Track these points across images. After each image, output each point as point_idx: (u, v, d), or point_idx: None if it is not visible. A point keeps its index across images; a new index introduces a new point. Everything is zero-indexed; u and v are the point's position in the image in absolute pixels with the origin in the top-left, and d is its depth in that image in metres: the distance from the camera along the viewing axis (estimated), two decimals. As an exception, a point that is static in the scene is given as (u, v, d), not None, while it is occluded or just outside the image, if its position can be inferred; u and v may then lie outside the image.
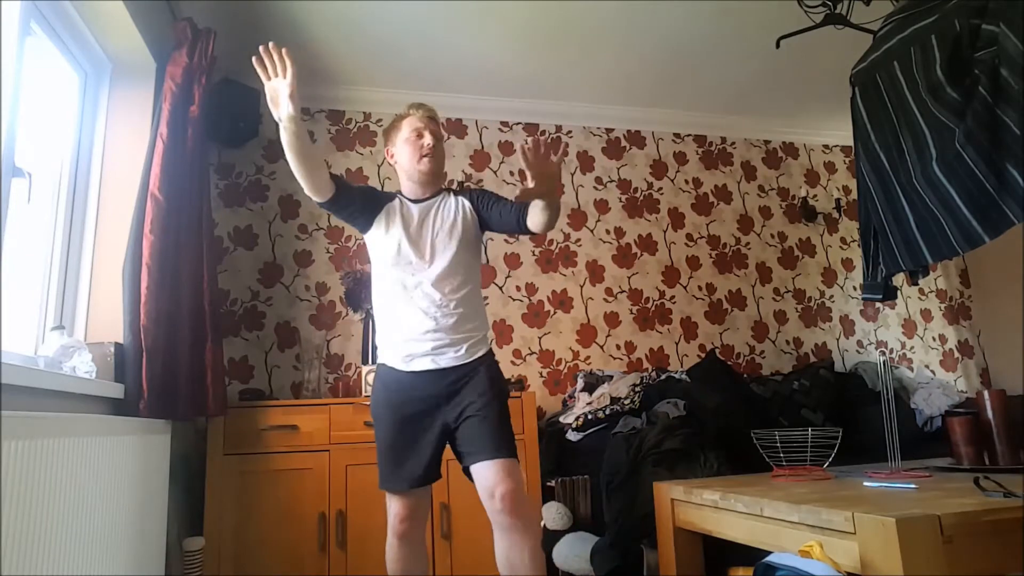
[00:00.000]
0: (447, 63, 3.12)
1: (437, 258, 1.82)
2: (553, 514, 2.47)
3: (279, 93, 1.58)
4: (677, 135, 3.83)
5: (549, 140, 1.60)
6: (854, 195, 3.51)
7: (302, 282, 3.09)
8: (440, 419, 1.78)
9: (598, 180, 3.64)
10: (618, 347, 3.42)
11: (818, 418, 2.98)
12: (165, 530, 2.10)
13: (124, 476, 1.75)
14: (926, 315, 3.94)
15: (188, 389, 2.17)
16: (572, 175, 3.61)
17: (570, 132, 3.64)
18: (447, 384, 1.77)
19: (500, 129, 3.54)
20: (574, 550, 2.30)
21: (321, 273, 3.12)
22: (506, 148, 3.53)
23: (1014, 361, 3.73)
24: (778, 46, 2.55)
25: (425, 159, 1.87)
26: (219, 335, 2.36)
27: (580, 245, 3.51)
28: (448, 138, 3.40)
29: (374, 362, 2.74)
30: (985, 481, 1.44)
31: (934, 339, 3.91)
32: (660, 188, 3.72)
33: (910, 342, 3.86)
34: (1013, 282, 3.69)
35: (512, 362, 3.24)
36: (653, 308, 3.53)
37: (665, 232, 3.66)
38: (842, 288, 3.85)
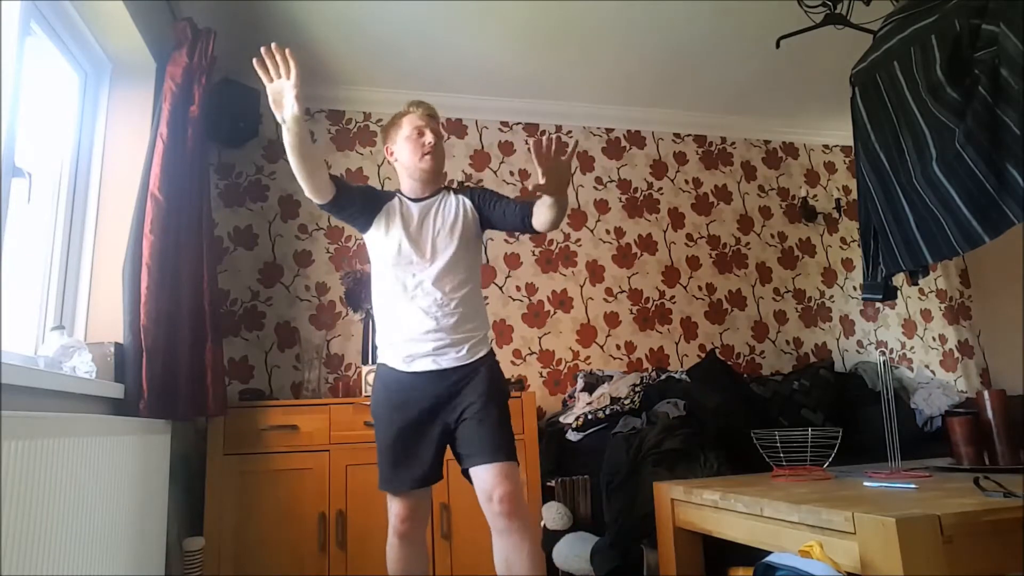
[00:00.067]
0: (447, 63, 3.12)
1: (438, 257, 1.82)
2: (553, 514, 2.47)
3: (283, 94, 1.57)
4: (677, 135, 3.83)
5: (559, 138, 1.60)
6: (854, 195, 3.51)
7: (302, 282, 3.09)
8: (440, 420, 1.77)
9: (598, 180, 3.64)
10: (618, 347, 3.42)
11: (818, 418, 2.98)
12: (165, 530, 2.10)
13: (124, 476, 1.75)
14: (926, 315, 3.94)
15: (188, 389, 2.17)
16: (572, 175, 3.61)
17: (570, 132, 3.64)
18: (448, 385, 1.77)
19: (500, 129, 3.54)
20: (574, 550, 2.30)
21: (321, 273, 3.12)
22: (506, 148, 3.53)
23: (1014, 361, 3.73)
24: (778, 46, 2.55)
25: (426, 157, 1.86)
26: (219, 335, 2.36)
27: (580, 245, 3.51)
28: (448, 138, 3.40)
29: (374, 362, 2.74)
30: (985, 481, 1.44)
31: (934, 339, 3.91)
32: (660, 188, 3.72)
33: (910, 342, 3.86)
34: (1013, 282, 3.69)
35: (512, 362, 3.24)
36: (653, 308, 3.53)
37: (665, 232, 3.66)
38: (842, 288, 3.85)
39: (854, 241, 3.91)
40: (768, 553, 1.36)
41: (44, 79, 2.03)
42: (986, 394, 1.91)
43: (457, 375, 1.77)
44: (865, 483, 1.67)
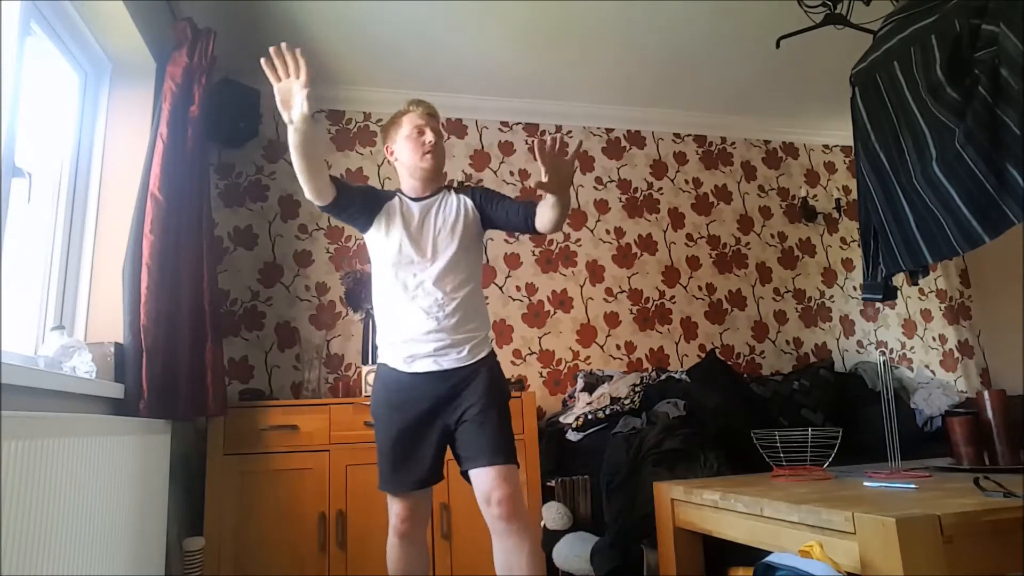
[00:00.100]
0: (447, 63, 3.12)
1: (439, 256, 1.81)
2: (553, 514, 2.47)
3: (292, 94, 1.56)
4: (677, 135, 3.83)
5: (561, 137, 1.61)
6: (854, 195, 3.51)
7: (302, 282, 3.09)
8: (441, 421, 1.77)
9: (598, 180, 3.64)
10: (618, 347, 3.42)
11: (818, 418, 2.98)
12: (165, 530, 2.10)
13: (124, 476, 1.75)
14: (926, 315, 3.94)
15: (188, 389, 2.17)
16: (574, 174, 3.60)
17: (570, 132, 3.64)
18: (448, 386, 1.76)
19: (500, 129, 3.54)
20: (574, 550, 2.30)
21: (321, 273, 3.12)
22: (506, 148, 3.53)
23: (1014, 361, 3.73)
24: (778, 46, 2.55)
25: (427, 156, 1.86)
26: (219, 335, 2.36)
27: (580, 245, 3.51)
28: (448, 138, 3.40)
29: (374, 362, 2.74)
30: (985, 481, 1.44)
31: (934, 339, 3.91)
32: (660, 188, 3.72)
33: (910, 342, 3.86)
34: (1013, 282, 3.69)
35: (512, 362, 3.24)
36: (653, 308, 3.53)
37: (665, 232, 3.66)
38: (842, 288, 3.85)
39: (854, 241, 3.91)
40: (768, 553, 1.36)
41: (44, 79, 2.03)
42: (986, 394, 1.91)
43: (458, 376, 1.77)
44: (865, 483, 1.67)
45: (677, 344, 3.51)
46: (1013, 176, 1.63)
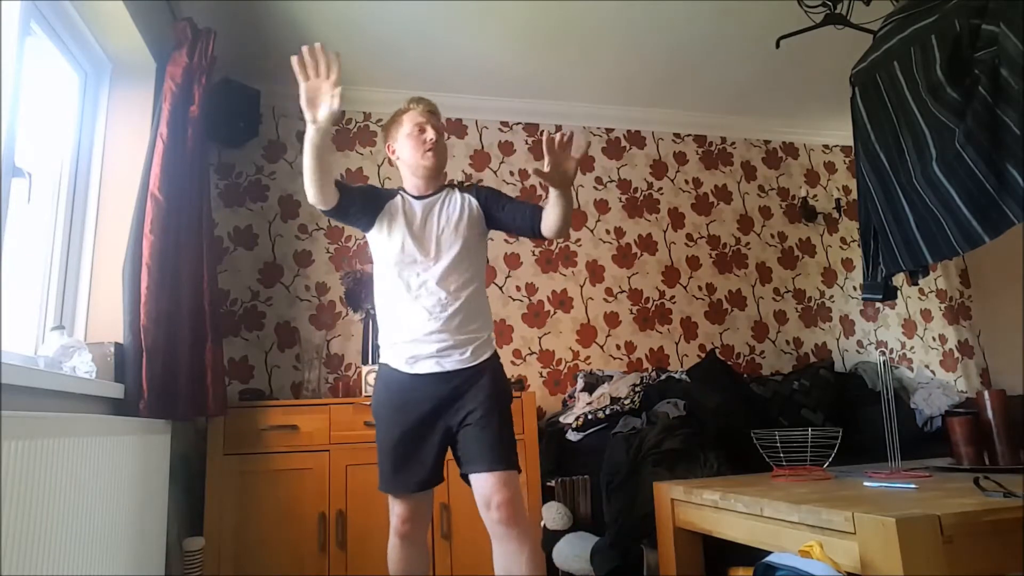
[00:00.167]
0: (447, 63, 3.12)
1: (442, 255, 1.80)
2: (553, 514, 2.47)
3: (320, 93, 1.55)
4: (677, 135, 3.83)
5: (573, 134, 1.64)
6: (854, 195, 3.51)
7: (302, 282, 3.09)
8: (442, 423, 1.76)
9: (598, 180, 3.64)
10: (618, 347, 3.42)
11: (818, 418, 2.98)
12: (165, 530, 2.10)
13: (124, 476, 1.75)
14: (926, 315, 3.94)
15: (188, 389, 2.17)
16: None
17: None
18: (451, 387, 1.75)
19: (500, 129, 3.54)
20: (574, 550, 2.30)
21: (321, 273, 3.12)
22: (506, 148, 3.53)
23: (1014, 361, 3.73)
24: (778, 46, 2.55)
25: (429, 154, 1.84)
26: (219, 335, 2.36)
27: (580, 245, 3.51)
28: (448, 138, 3.40)
29: (374, 362, 2.75)
30: (985, 481, 1.44)
31: (934, 339, 3.91)
32: (660, 188, 3.72)
33: (910, 342, 3.86)
34: (1013, 282, 3.69)
35: (512, 362, 3.24)
36: (653, 308, 3.53)
37: (665, 232, 3.66)
38: (842, 288, 3.85)
39: (854, 241, 3.91)
40: (768, 553, 1.36)
41: (44, 79, 2.03)
42: (986, 394, 1.91)
43: (460, 378, 1.75)
44: (865, 483, 1.67)
45: (677, 344, 3.51)
46: (1013, 176, 1.63)
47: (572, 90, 3.45)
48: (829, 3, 2.39)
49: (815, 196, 3.94)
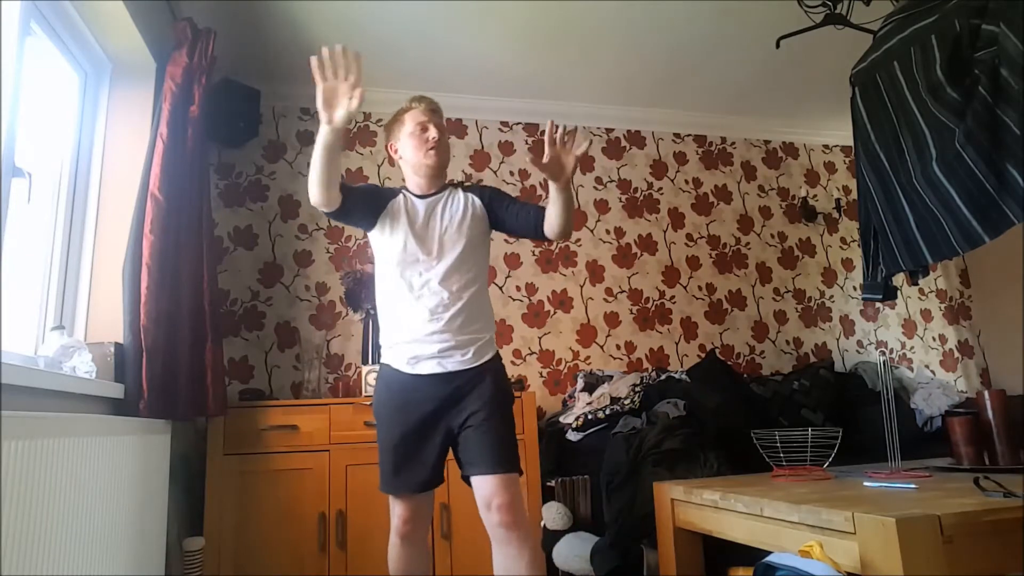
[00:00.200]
0: (447, 63, 3.12)
1: (445, 255, 1.78)
2: (553, 514, 2.47)
3: (338, 94, 1.53)
4: (677, 135, 3.83)
5: (576, 130, 1.67)
6: (854, 195, 3.51)
7: (302, 282, 3.09)
8: (444, 424, 1.75)
9: (598, 180, 3.64)
10: (618, 347, 3.42)
11: (818, 418, 2.98)
12: (165, 530, 2.10)
13: (124, 476, 1.75)
14: (926, 315, 3.94)
15: (188, 389, 2.17)
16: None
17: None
18: (452, 388, 1.74)
19: (500, 129, 3.54)
20: (574, 550, 2.30)
21: (321, 273, 3.12)
22: (506, 148, 3.53)
23: (1014, 361, 3.73)
24: (778, 46, 2.55)
25: (431, 152, 1.83)
26: (219, 335, 2.36)
27: (580, 245, 3.51)
28: (448, 138, 3.40)
29: (374, 362, 2.75)
30: (985, 481, 1.44)
31: (934, 339, 3.91)
32: (660, 188, 3.72)
33: (910, 342, 3.86)
34: (1013, 282, 3.69)
35: (512, 362, 3.24)
36: (653, 308, 3.53)
37: (665, 232, 3.66)
38: (842, 288, 3.85)
39: (854, 241, 3.91)
40: (768, 553, 1.36)
41: (44, 79, 2.03)
42: (986, 394, 1.91)
43: (462, 379, 1.74)
44: (865, 483, 1.67)
45: (677, 344, 3.51)
46: (1013, 176, 1.64)
47: (572, 90, 3.45)
48: (829, 3, 2.40)
49: (815, 196, 3.94)
